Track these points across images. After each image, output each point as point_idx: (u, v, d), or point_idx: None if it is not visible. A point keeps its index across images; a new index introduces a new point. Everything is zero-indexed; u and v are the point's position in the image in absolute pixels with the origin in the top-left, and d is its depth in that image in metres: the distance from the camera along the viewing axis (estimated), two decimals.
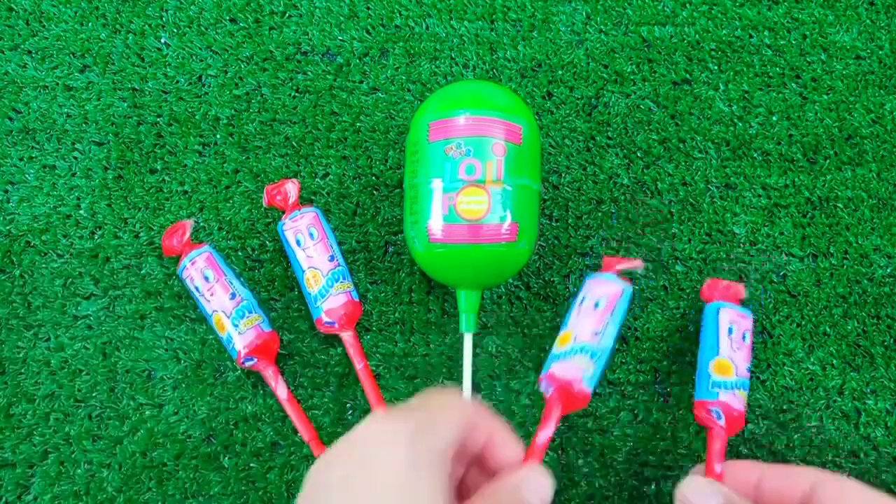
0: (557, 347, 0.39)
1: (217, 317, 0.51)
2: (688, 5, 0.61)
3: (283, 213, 0.53)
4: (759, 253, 0.56)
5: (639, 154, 0.58)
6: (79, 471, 0.51)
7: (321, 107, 0.59)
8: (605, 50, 0.60)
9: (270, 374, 0.52)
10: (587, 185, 0.57)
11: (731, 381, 0.40)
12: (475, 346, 0.54)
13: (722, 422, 0.39)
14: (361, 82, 0.59)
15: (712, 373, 0.40)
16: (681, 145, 0.58)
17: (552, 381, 0.38)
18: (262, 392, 0.53)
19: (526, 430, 0.53)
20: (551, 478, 0.32)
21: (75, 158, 0.57)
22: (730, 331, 0.42)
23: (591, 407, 0.53)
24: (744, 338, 0.43)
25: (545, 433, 0.37)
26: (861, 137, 0.59)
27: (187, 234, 0.52)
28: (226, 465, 0.52)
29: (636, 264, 0.42)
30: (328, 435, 0.52)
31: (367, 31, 0.60)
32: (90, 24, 0.60)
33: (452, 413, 0.30)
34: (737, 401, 0.40)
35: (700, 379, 0.43)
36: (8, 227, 0.56)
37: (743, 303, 0.50)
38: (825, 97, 0.60)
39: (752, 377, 0.41)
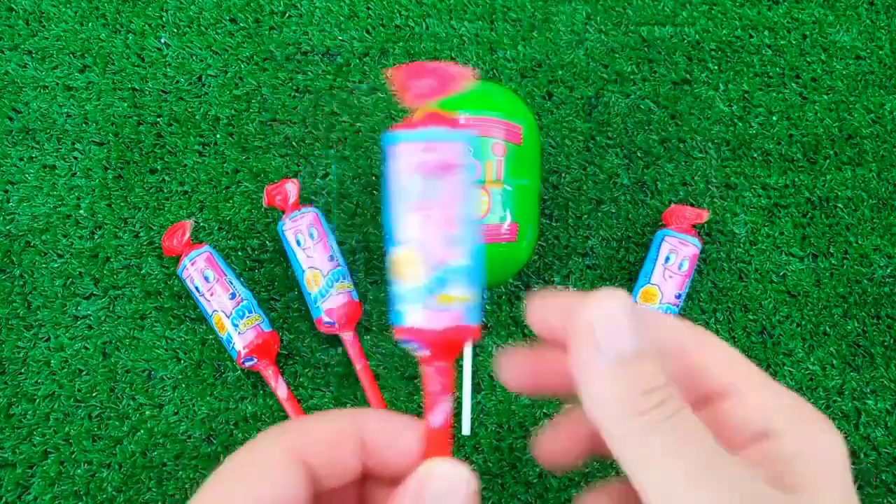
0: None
1: (217, 317, 0.51)
2: (688, 5, 0.61)
3: (283, 213, 0.53)
4: (759, 253, 0.56)
5: (639, 154, 0.58)
6: (79, 471, 0.51)
7: (321, 107, 0.59)
8: (605, 50, 0.60)
9: (270, 374, 0.52)
10: (587, 185, 0.57)
11: (653, 307, 0.36)
12: (475, 345, 0.54)
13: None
14: (361, 82, 0.59)
15: (638, 300, 0.37)
16: (681, 145, 0.58)
17: (414, 336, 0.22)
18: (262, 392, 0.53)
19: (525, 431, 0.53)
20: (465, 470, 0.21)
21: (75, 158, 0.57)
22: (667, 259, 0.41)
23: None
24: (680, 266, 0.41)
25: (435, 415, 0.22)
26: (861, 137, 0.59)
27: (187, 234, 0.52)
28: None
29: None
30: None
31: (367, 31, 0.60)
32: (90, 24, 0.60)
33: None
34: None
35: None
36: (8, 227, 0.56)
37: (699, 229, 0.46)
38: (825, 97, 0.60)
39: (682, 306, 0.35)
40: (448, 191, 0.21)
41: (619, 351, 0.19)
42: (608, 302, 0.20)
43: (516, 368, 0.23)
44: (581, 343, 0.20)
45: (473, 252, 0.21)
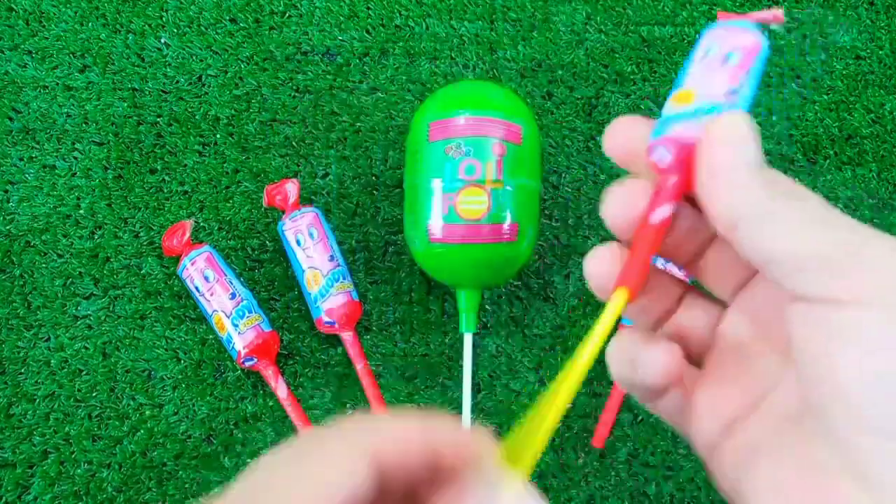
0: (672, 107, 0.25)
1: (217, 317, 0.51)
2: (688, 5, 0.61)
3: (283, 213, 0.53)
4: None
5: None
6: (79, 471, 0.51)
7: (321, 107, 0.59)
8: (605, 50, 0.60)
9: (270, 374, 0.52)
10: (587, 185, 0.57)
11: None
12: (475, 346, 0.54)
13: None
14: (361, 82, 0.59)
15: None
16: None
17: (672, 145, 0.24)
18: (262, 392, 0.53)
19: None
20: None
21: (75, 158, 0.57)
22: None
23: (590, 407, 0.53)
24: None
25: (660, 212, 0.23)
26: (861, 137, 0.59)
27: (187, 234, 0.52)
28: (226, 465, 0.52)
29: (775, 16, 0.26)
30: None
31: (367, 31, 0.60)
32: (90, 24, 0.60)
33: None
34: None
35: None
36: (8, 227, 0.56)
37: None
38: (825, 97, 0.60)
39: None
40: (743, 61, 0.25)
41: (756, 155, 0.21)
42: (739, 116, 0.22)
43: (622, 138, 0.25)
44: (720, 151, 0.22)
45: (742, 107, 0.24)
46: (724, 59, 0.25)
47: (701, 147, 0.22)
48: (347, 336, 0.52)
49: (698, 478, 0.52)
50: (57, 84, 0.58)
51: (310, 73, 0.59)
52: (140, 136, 0.58)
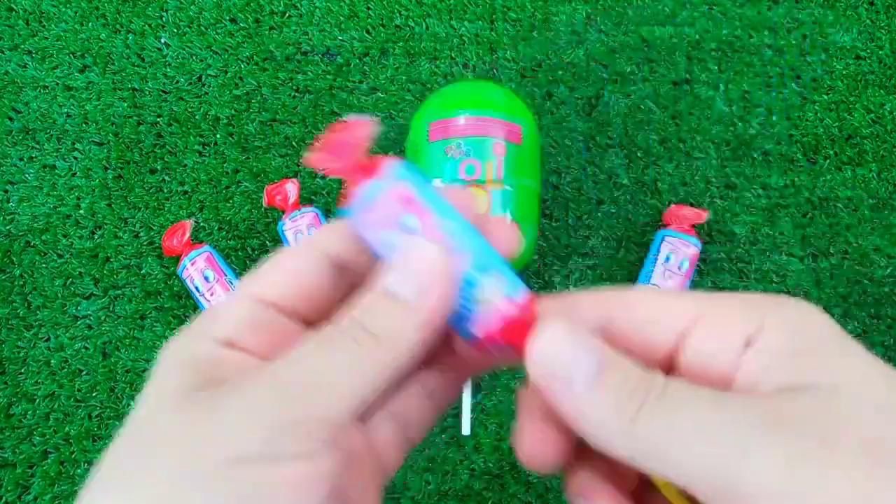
0: None
1: None
2: (688, 5, 0.61)
3: (283, 213, 0.53)
4: (759, 253, 0.56)
5: (639, 154, 0.58)
6: (79, 471, 0.51)
7: (321, 107, 0.59)
8: (605, 50, 0.60)
9: None
10: (587, 185, 0.57)
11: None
12: None
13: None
14: (361, 82, 0.59)
15: None
16: (681, 145, 0.58)
17: (489, 333, 0.21)
18: None
19: None
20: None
21: (75, 158, 0.57)
22: (667, 259, 0.36)
23: None
24: (680, 266, 0.36)
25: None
26: (861, 137, 0.59)
27: (187, 234, 0.52)
28: None
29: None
30: None
31: (367, 31, 0.60)
32: (90, 24, 0.60)
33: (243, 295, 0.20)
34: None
35: None
36: (8, 227, 0.56)
37: (699, 230, 0.49)
38: (825, 97, 0.60)
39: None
40: (421, 219, 0.20)
41: (585, 372, 0.18)
42: (548, 334, 0.19)
43: (535, 443, 0.21)
44: (551, 385, 0.19)
45: (476, 248, 0.20)
46: (406, 228, 0.20)
47: (534, 381, 0.19)
48: None
49: None
50: (57, 84, 0.58)
51: (310, 73, 0.59)
52: (140, 136, 0.58)
